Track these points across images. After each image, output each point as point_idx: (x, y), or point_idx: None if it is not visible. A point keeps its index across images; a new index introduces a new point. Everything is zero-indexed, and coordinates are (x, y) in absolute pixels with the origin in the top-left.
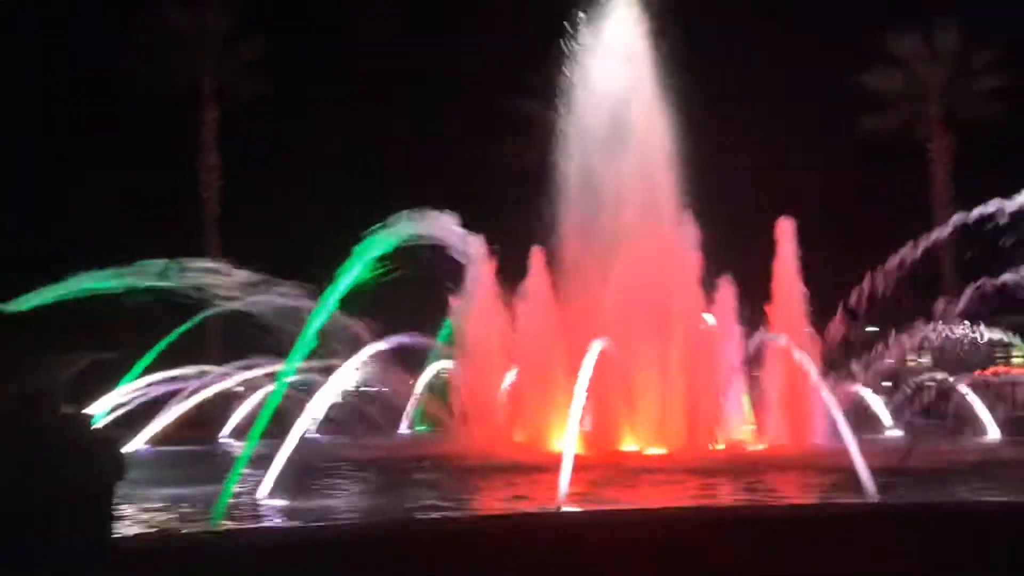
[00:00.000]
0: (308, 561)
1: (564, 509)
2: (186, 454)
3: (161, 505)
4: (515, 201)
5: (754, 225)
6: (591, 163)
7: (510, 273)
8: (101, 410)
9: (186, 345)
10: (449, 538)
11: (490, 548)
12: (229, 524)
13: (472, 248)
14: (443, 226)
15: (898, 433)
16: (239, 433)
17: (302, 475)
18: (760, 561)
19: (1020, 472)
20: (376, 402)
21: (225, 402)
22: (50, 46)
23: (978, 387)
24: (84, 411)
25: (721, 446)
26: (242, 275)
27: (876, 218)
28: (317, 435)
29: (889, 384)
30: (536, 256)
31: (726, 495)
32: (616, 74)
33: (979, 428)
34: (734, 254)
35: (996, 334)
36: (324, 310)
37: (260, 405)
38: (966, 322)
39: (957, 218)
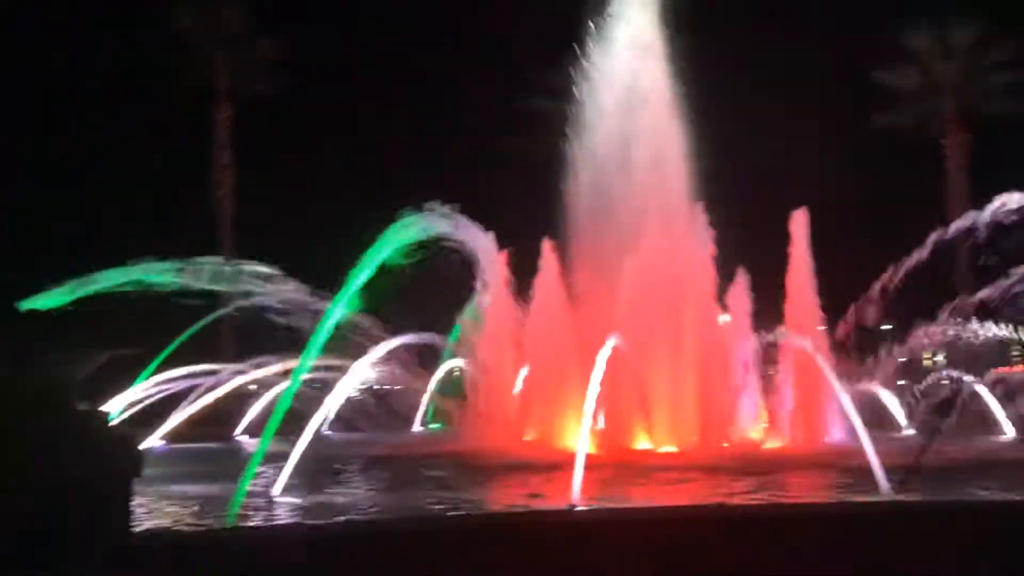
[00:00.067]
0: (322, 557)
1: (578, 507)
2: (201, 451)
3: (176, 501)
4: (526, 198)
5: (768, 222)
6: (603, 160)
7: (522, 271)
8: (117, 407)
9: (200, 343)
10: (462, 535)
11: (503, 546)
12: (244, 520)
13: (485, 246)
14: (456, 224)
15: (912, 431)
16: (253, 430)
17: (316, 472)
18: (774, 560)
19: None
20: (389, 400)
21: (240, 399)
22: (64, 45)
23: (993, 385)
24: (100, 408)
25: (734, 444)
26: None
27: (891, 215)
28: (330, 432)
29: (903, 382)
30: (548, 251)
31: (739, 494)
32: (629, 70)
33: (994, 427)
34: (747, 251)
35: (1007, 332)
36: (338, 308)
37: (274, 402)
38: (977, 321)
39: (972, 216)
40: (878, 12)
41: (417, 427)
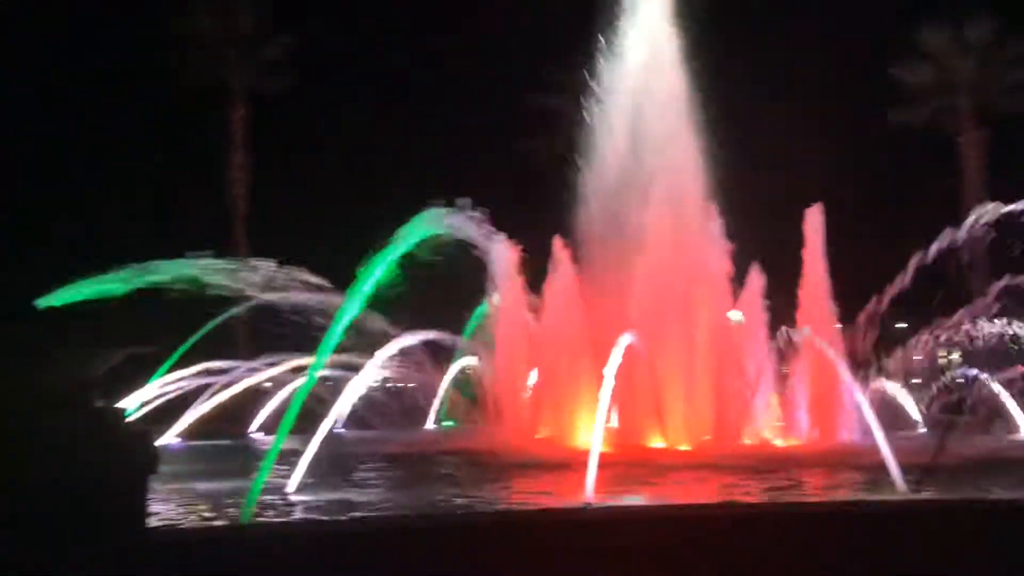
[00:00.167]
0: (337, 554)
1: (592, 506)
2: (216, 448)
3: (191, 499)
4: (540, 196)
5: (782, 218)
6: (616, 157)
7: (535, 269)
8: (133, 405)
9: (215, 340)
10: (475, 533)
11: (516, 544)
12: (259, 518)
13: (498, 245)
14: (469, 222)
15: (928, 430)
16: (268, 428)
17: (330, 470)
18: (789, 559)
19: None
20: (402, 397)
21: (254, 397)
22: (78, 45)
23: (1011, 384)
24: (117, 406)
25: (749, 442)
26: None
27: (906, 213)
28: (344, 430)
29: (919, 381)
30: (560, 248)
31: (754, 492)
32: (641, 67)
33: (1011, 425)
34: (762, 248)
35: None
36: (352, 306)
37: (288, 400)
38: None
39: (990, 214)
40: (893, 9)
41: (430, 425)
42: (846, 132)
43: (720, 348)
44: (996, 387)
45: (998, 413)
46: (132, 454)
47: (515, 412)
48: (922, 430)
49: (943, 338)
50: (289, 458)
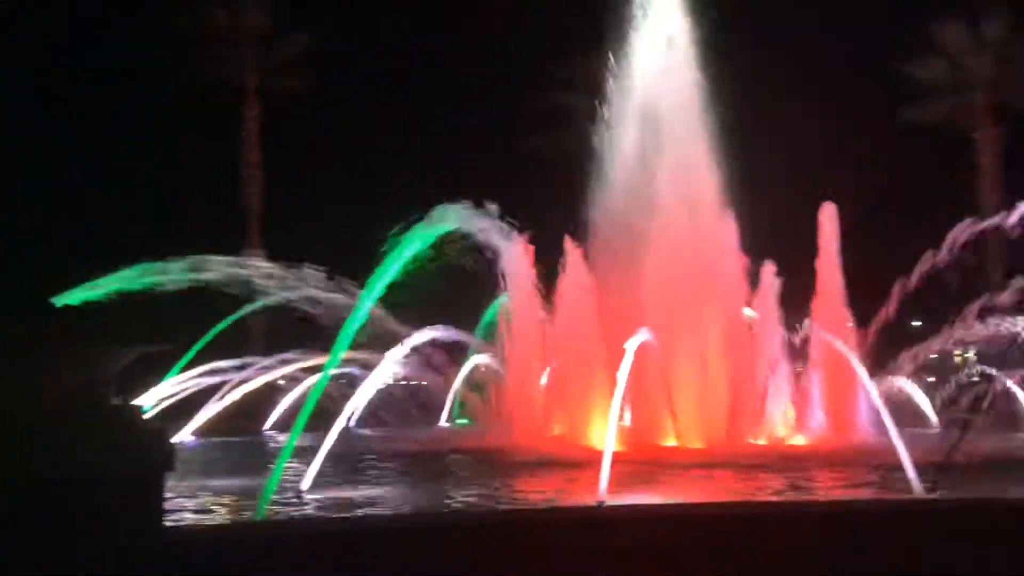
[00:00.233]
0: (351, 551)
1: (605, 504)
2: (231, 445)
3: (207, 496)
4: (552, 193)
5: (796, 216)
6: (629, 154)
7: (548, 267)
8: (148, 402)
9: (229, 338)
10: (489, 530)
11: (529, 541)
12: (273, 515)
13: (511, 242)
14: (482, 220)
15: (943, 428)
16: (282, 425)
17: (344, 467)
18: (802, 558)
19: None
20: (416, 395)
21: (269, 394)
22: (92, 43)
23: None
24: (133, 403)
25: (763, 441)
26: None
27: (921, 210)
28: (358, 427)
29: (933, 379)
30: (571, 248)
31: (767, 491)
32: (655, 64)
33: None
34: (776, 246)
35: None
36: (365, 304)
37: (303, 397)
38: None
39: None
40: (908, 5)
41: (443, 422)
42: (861, 129)
43: (734, 346)
44: (1012, 385)
45: (1015, 412)
46: (148, 451)
47: (528, 410)
48: (937, 429)
49: (958, 336)
50: (303, 455)
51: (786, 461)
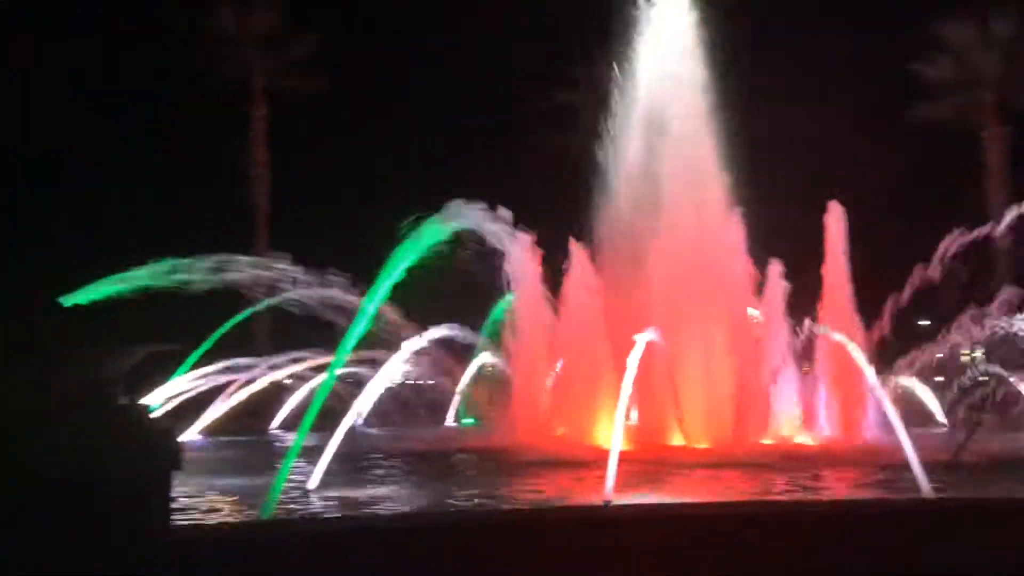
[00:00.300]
0: (357, 551)
1: (611, 503)
2: (238, 445)
3: (214, 495)
4: (559, 193)
5: (803, 215)
6: (635, 153)
7: (552, 266)
8: (155, 401)
9: (236, 338)
10: (495, 530)
11: (535, 541)
12: (281, 514)
13: (517, 242)
14: (489, 219)
15: (951, 428)
16: (289, 424)
17: (350, 466)
18: (809, 558)
19: None
20: (422, 395)
21: (276, 393)
22: (99, 44)
23: None
24: (141, 402)
25: (769, 441)
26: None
27: (928, 208)
28: (365, 427)
29: (941, 379)
30: (577, 247)
31: (774, 491)
32: (661, 62)
33: None
34: (783, 244)
35: None
36: (372, 303)
37: (310, 397)
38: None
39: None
40: (916, 3)
41: (450, 422)
42: (867, 129)
43: (740, 346)
44: (1020, 385)
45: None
46: (156, 451)
47: (534, 409)
48: (945, 428)
49: (965, 335)
50: (310, 455)
51: (793, 461)
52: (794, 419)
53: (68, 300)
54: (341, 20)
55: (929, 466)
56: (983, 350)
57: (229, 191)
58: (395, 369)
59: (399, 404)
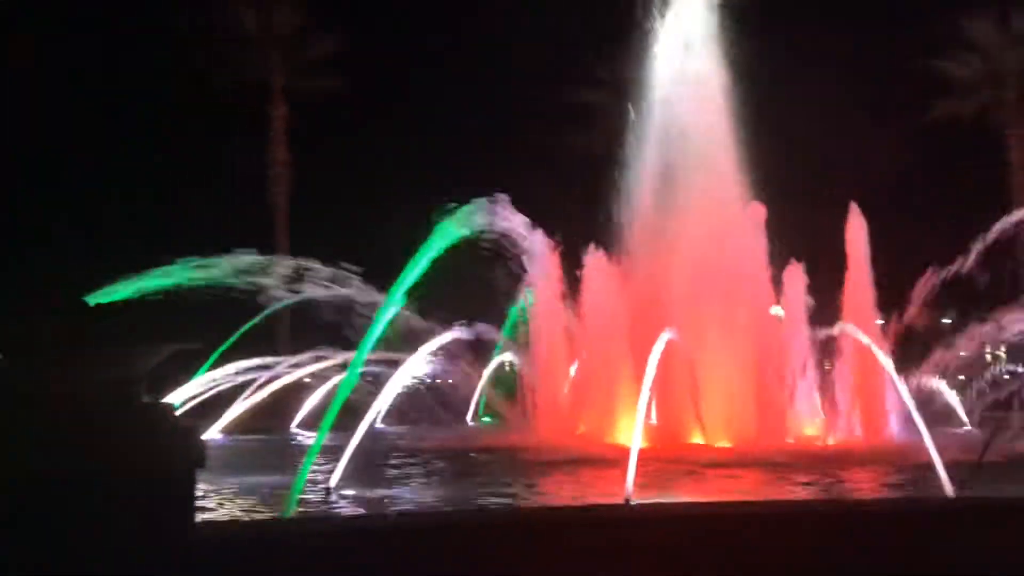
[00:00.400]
0: (380, 548)
1: (632, 502)
2: (259, 444)
3: (235, 494)
4: (580, 191)
5: (826, 213)
6: (657, 153)
7: (571, 264)
8: (177, 400)
9: (256, 336)
10: (495, 530)
11: (535, 541)
12: (302, 512)
13: (537, 241)
14: (509, 218)
15: (974, 427)
16: (310, 423)
17: (370, 465)
18: (809, 558)
19: None
20: (442, 393)
21: (296, 392)
22: (100, 44)
23: None
24: (165, 400)
25: (791, 440)
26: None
27: (951, 206)
28: (383, 426)
29: (963, 377)
30: (594, 254)
31: (796, 490)
32: (683, 62)
33: None
34: (804, 243)
35: None
36: (392, 302)
37: (330, 395)
38: None
39: None
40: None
41: (469, 421)
42: (890, 124)
43: (761, 344)
44: None
45: None
46: (179, 449)
47: (554, 408)
48: (968, 428)
49: (989, 334)
50: (331, 453)
51: (814, 460)
52: (816, 419)
53: (94, 299)
54: (359, 19)
55: (952, 466)
56: (1006, 348)
57: (230, 191)
58: (414, 368)
59: (419, 403)
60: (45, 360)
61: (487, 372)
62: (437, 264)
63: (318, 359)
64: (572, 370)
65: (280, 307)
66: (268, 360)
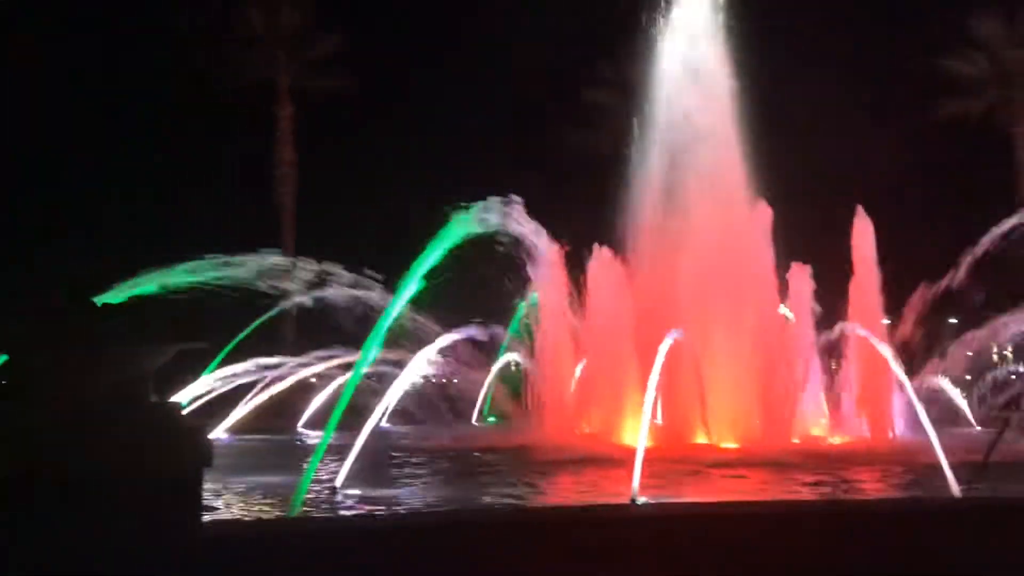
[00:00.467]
0: (385, 547)
1: (637, 502)
2: (264, 443)
3: (242, 493)
4: (582, 191)
5: (831, 213)
6: (663, 152)
7: (577, 264)
8: (184, 399)
9: (264, 336)
10: (495, 530)
11: (535, 541)
12: (308, 512)
13: (543, 241)
14: (515, 218)
15: (980, 427)
16: (315, 423)
17: (376, 464)
18: (809, 558)
19: None
20: (447, 393)
21: (302, 392)
22: (120, 44)
23: None
24: (171, 400)
25: (796, 440)
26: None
27: (957, 205)
28: (389, 425)
29: (970, 377)
30: (601, 253)
31: (801, 491)
32: (687, 61)
33: None
34: (810, 243)
35: None
36: (399, 302)
37: (336, 395)
38: None
39: None
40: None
41: (475, 420)
42: (897, 123)
43: (767, 345)
44: None
45: None
46: (187, 449)
47: (559, 408)
48: (974, 427)
49: (994, 334)
50: (337, 453)
51: (820, 460)
52: (822, 419)
53: (103, 298)
54: (359, 19)
55: (958, 466)
56: (1012, 349)
57: (231, 191)
58: (420, 368)
59: (424, 402)
60: (50, 360)
61: (493, 371)
62: (447, 259)
63: (323, 359)
64: (578, 370)
65: (285, 308)
66: (274, 360)
